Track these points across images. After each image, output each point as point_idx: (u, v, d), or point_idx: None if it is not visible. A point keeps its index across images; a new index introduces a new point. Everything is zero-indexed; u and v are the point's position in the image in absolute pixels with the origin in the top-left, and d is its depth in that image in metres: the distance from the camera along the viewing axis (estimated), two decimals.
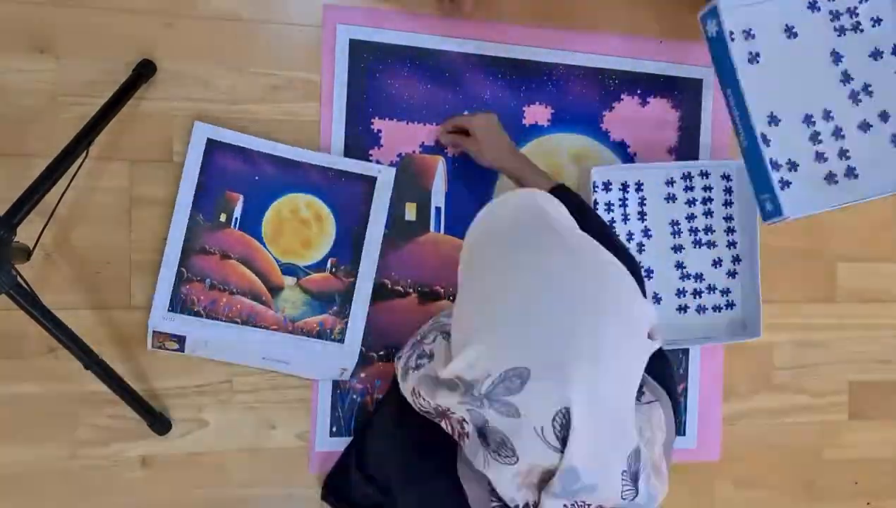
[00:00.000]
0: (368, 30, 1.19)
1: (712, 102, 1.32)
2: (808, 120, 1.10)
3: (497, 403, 0.72)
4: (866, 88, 1.11)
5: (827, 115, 1.10)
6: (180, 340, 1.10)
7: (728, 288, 1.31)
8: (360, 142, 1.20)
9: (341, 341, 1.16)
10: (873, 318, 1.43)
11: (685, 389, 1.32)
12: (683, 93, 1.31)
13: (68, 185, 1.03)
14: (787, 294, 1.37)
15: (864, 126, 1.11)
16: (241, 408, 1.17)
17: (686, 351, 1.32)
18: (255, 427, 1.17)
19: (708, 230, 1.30)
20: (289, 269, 1.15)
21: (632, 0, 1.29)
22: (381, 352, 1.20)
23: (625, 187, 1.27)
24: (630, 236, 1.28)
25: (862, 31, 1.11)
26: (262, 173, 1.14)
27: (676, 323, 1.29)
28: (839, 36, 1.11)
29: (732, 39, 1.09)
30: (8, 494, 1.10)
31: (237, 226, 1.13)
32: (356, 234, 1.17)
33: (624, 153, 1.29)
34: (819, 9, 1.11)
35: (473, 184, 1.24)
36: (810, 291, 1.39)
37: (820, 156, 1.10)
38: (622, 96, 1.29)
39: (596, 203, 1.25)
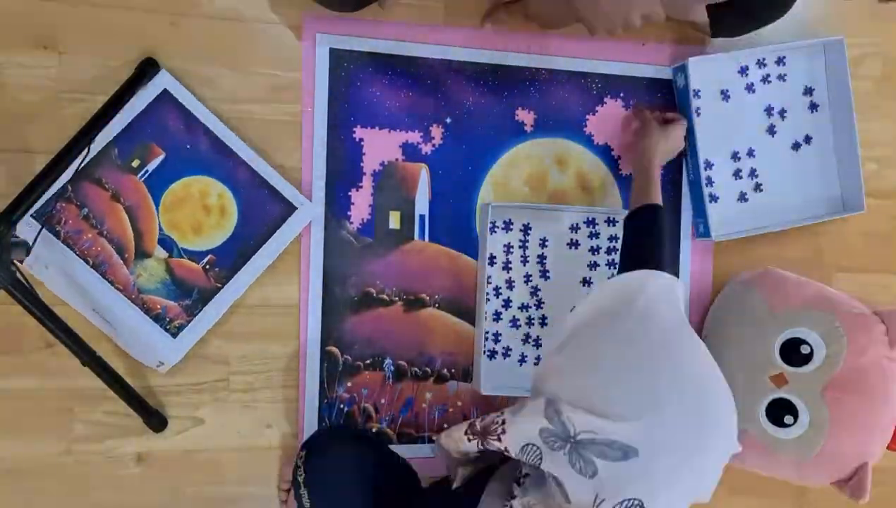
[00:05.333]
0: (348, 38, 1.18)
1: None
2: (735, 156, 1.32)
3: (577, 455, 0.72)
4: (782, 113, 1.33)
5: (750, 152, 1.32)
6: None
7: None
8: (342, 151, 1.18)
9: (174, 335, 1.12)
10: None
11: None
12: (666, 95, 1.31)
13: (69, 182, 1.04)
14: None
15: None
16: (236, 407, 1.17)
17: None
18: (251, 425, 1.18)
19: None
20: (166, 243, 1.12)
21: None
22: (368, 361, 1.20)
23: (526, 229, 1.24)
24: (527, 278, 1.25)
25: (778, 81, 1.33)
26: (195, 145, 1.12)
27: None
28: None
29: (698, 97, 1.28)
30: (3, 489, 1.10)
31: (144, 178, 1.11)
32: (248, 248, 1.14)
33: (608, 156, 1.29)
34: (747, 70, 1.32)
35: (457, 191, 1.23)
36: None
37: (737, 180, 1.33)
38: (605, 99, 1.28)
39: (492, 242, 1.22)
